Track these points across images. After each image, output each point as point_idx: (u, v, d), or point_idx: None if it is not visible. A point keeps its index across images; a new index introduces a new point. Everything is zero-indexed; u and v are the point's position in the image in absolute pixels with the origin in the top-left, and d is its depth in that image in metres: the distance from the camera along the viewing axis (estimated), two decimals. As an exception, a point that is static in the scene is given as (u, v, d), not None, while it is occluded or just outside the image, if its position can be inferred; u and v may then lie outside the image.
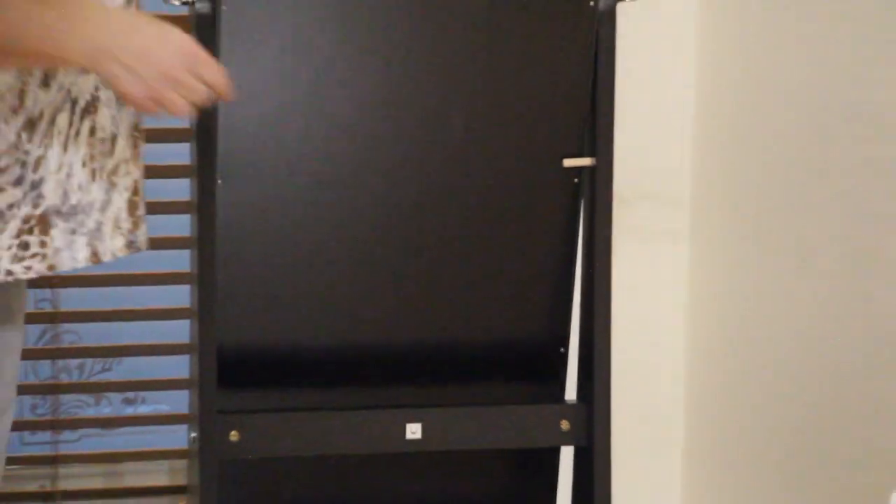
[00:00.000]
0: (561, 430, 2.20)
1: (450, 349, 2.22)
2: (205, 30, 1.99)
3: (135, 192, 1.79)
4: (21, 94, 1.64)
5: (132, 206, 1.78)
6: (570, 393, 2.25)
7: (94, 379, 2.89)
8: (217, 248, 2.06)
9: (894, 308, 2.15)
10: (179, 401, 2.66)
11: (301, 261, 2.14)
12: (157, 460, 2.81)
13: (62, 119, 1.67)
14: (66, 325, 2.79)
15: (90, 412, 2.88)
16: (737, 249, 2.62)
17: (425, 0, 2.04)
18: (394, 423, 2.15)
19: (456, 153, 2.11)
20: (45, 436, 2.79)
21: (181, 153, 2.20)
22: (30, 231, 1.66)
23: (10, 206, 1.65)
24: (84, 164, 1.71)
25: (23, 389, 2.83)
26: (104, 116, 1.73)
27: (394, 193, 2.11)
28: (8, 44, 1.58)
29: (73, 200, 1.70)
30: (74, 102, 1.68)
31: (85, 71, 1.68)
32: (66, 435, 2.80)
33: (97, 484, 2.80)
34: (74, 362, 2.84)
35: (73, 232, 1.70)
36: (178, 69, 1.66)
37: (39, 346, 2.82)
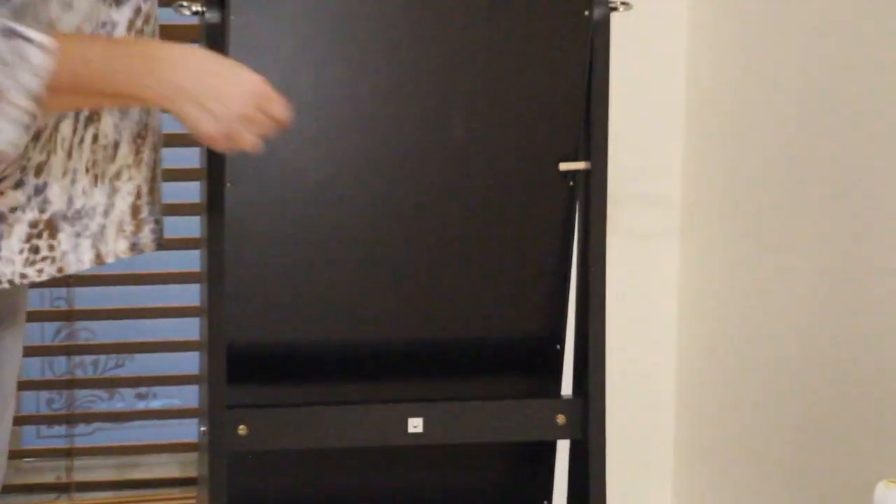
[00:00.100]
0: (557, 424, 2.20)
1: (450, 346, 2.22)
2: (214, 39, 1.99)
3: (138, 196, 1.79)
4: None
5: (135, 210, 1.79)
6: (566, 388, 2.25)
7: (107, 374, 2.89)
8: (226, 249, 2.06)
9: (883, 306, 2.15)
10: (190, 396, 2.67)
11: (306, 261, 2.14)
12: (168, 453, 2.81)
13: (66, 127, 1.67)
14: (81, 323, 2.80)
15: (104, 406, 2.89)
16: (727, 249, 2.62)
17: (426, 9, 2.04)
18: (396, 418, 2.15)
19: (456, 156, 2.12)
20: (61, 429, 2.79)
21: (192, 157, 2.21)
22: (39, 235, 1.67)
23: (13, 210, 1.65)
24: (87, 170, 1.71)
25: (39, 384, 2.85)
26: (107, 124, 1.73)
27: (396, 196, 2.11)
28: (91, 84, 1.61)
29: (78, 205, 1.70)
30: (78, 111, 1.68)
31: (163, 109, 1.70)
32: (81, 428, 2.81)
33: (110, 475, 2.80)
34: (89, 358, 2.85)
35: (78, 235, 1.71)
36: (250, 108, 1.69)
37: (55, 342, 2.83)
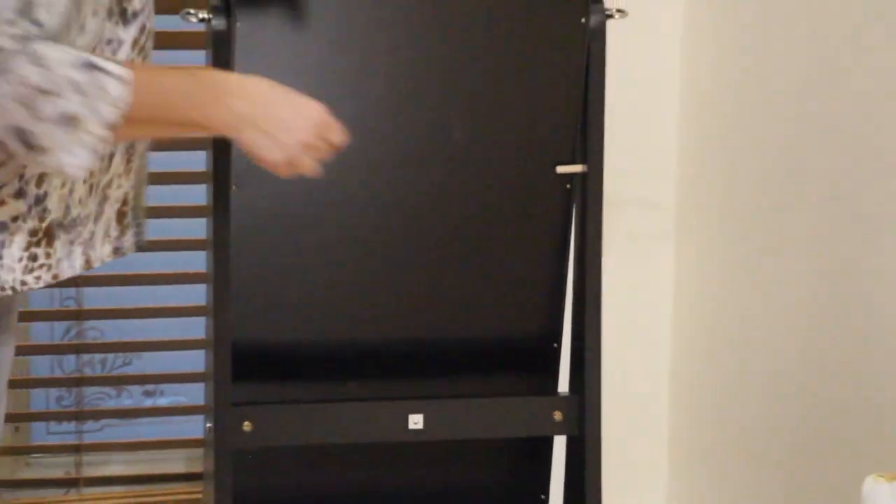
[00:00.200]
0: (554, 420, 2.20)
1: (450, 344, 2.22)
2: (220, 46, 1.99)
3: (124, 202, 1.80)
4: None
5: (120, 216, 1.79)
6: (563, 386, 2.25)
7: (115, 372, 2.89)
8: (231, 250, 2.06)
9: (876, 309, 2.15)
10: (196, 393, 2.66)
11: (309, 261, 2.14)
12: (174, 449, 2.81)
13: None
14: (90, 322, 2.80)
15: (112, 403, 2.89)
16: (719, 250, 2.62)
17: (427, 17, 2.04)
18: (397, 414, 2.15)
19: (456, 160, 2.11)
20: (70, 426, 2.79)
21: (198, 161, 2.20)
22: (38, 244, 1.67)
23: (15, 219, 1.65)
24: (85, 181, 1.72)
25: (49, 382, 2.84)
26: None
27: (396, 198, 2.11)
28: (162, 114, 1.64)
29: (73, 214, 1.71)
30: None
31: (229, 137, 1.73)
32: (90, 425, 2.81)
33: (118, 471, 2.80)
34: (97, 357, 2.85)
35: (72, 242, 1.71)
36: (311, 136, 1.73)
37: (65, 341, 2.83)
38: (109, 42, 1.67)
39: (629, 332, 2.69)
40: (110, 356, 2.90)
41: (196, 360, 2.47)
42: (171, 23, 2.13)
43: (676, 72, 2.69)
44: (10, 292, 1.66)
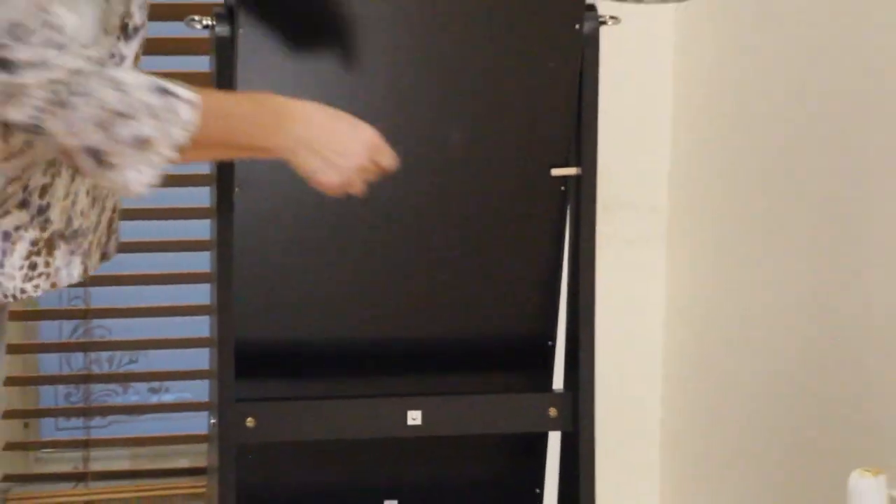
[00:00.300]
0: (549, 416, 2.20)
1: (448, 342, 2.22)
2: (223, 51, 1.99)
3: (114, 210, 1.80)
4: None
5: (109, 223, 1.80)
6: (558, 382, 2.25)
7: (122, 370, 2.89)
8: (234, 250, 2.06)
9: (859, 310, 2.15)
10: (200, 390, 2.67)
11: (310, 262, 2.14)
12: (179, 444, 2.81)
13: None
14: (97, 321, 2.80)
15: (118, 400, 2.89)
16: (711, 252, 2.62)
17: (426, 24, 2.04)
18: (396, 410, 2.15)
19: (454, 162, 2.11)
20: (78, 421, 2.79)
21: (202, 164, 2.20)
22: (38, 253, 1.67)
23: (17, 228, 1.65)
24: (88, 193, 1.72)
25: (57, 379, 2.84)
26: None
27: (396, 199, 2.11)
28: (227, 138, 1.69)
29: (75, 225, 1.71)
30: None
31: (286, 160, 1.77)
32: (97, 421, 2.81)
33: (125, 465, 2.80)
34: (105, 354, 2.85)
35: (72, 253, 1.71)
36: (364, 160, 1.78)
37: (73, 339, 2.83)
38: (113, 56, 1.67)
39: (623, 331, 2.69)
40: (117, 354, 2.90)
41: (200, 358, 2.47)
42: (177, 29, 2.13)
43: (668, 77, 2.69)
44: (10, 300, 1.67)
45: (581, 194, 2.14)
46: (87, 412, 2.78)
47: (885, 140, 2.06)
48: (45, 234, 1.67)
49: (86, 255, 1.74)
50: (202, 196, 2.27)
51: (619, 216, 2.68)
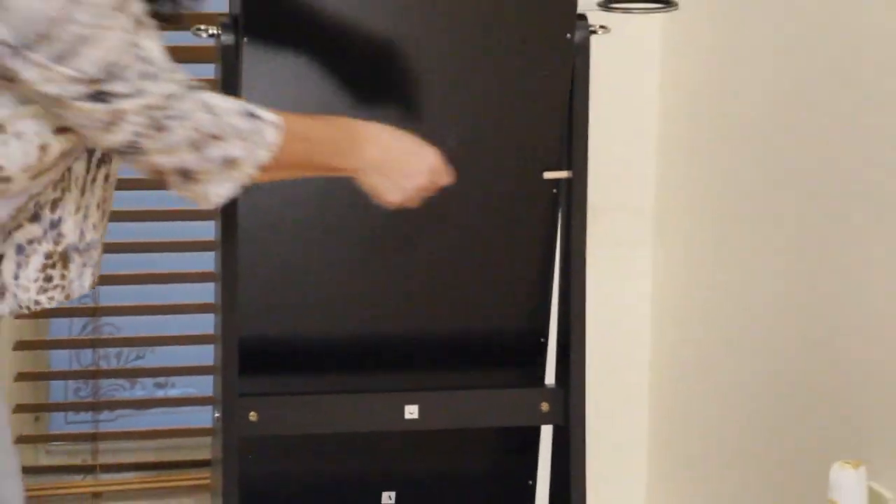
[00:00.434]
0: (541, 410, 2.20)
1: (444, 339, 2.22)
2: (228, 59, 2.00)
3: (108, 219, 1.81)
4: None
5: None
6: (550, 378, 2.25)
7: (129, 365, 2.89)
8: (238, 251, 2.06)
9: (839, 307, 2.15)
10: (205, 385, 2.66)
11: (311, 262, 2.14)
12: (184, 437, 2.81)
13: (79, 167, 1.68)
14: (106, 318, 2.80)
15: (126, 395, 2.88)
16: (695, 252, 2.62)
17: (424, 34, 2.04)
18: (393, 405, 2.15)
19: (450, 165, 2.11)
20: (87, 415, 2.79)
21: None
22: (53, 266, 1.68)
23: (31, 242, 1.66)
24: (98, 206, 1.72)
25: (67, 374, 2.84)
26: (116, 165, 1.74)
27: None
28: (305, 159, 1.74)
29: (88, 238, 1.71)
30: (91, 153, 1.69)
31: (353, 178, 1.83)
32: (105, 415, 2.80)
33: (132, 458, 2.80)
34: (113, 351, 2.85)
35: (85, 265, 1.72)
36: (426, 180, 1.84)
37: (82, 336, 2.82)
38: None
39: (611, 328, 2.69)
40: (124, 350, 2.89)
41: (205, 354, 2.46)
42: (184, 38, 2.13)
43: (655, 83, 2.70)
44: (24, 310, 1.68)
45: (572, 196, 2.14)
46: (95, 406, 2.78)
47: (868, 140, 2.06)
48: (60, 248, 1.67)
49: (95, 266, 1.74)
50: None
51: (609, 217, 2.68)
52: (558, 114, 2.11)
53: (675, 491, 2.72)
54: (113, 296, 2.73)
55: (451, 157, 2.10)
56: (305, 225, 2.11)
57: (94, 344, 2.78)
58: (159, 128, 1.57)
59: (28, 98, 1.55)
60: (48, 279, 1.67)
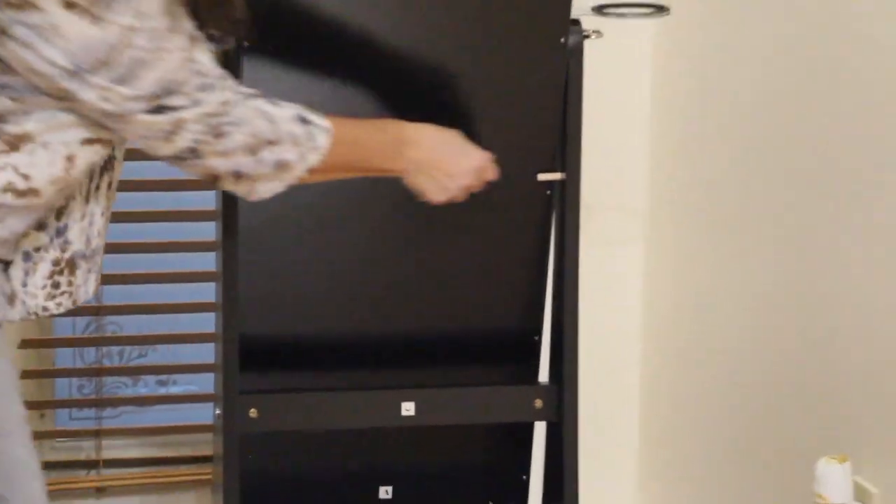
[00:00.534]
0: (535, 407, 2.20)
1: (439, 337, 2.22)
2: (230, 66, 1.99)
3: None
4: None
5: None
6: (543, 376, 2.25)
7: (132, 363, 2.88)
8: (239, 251, 2.06)
9: (827, 306, 2.16)
10: (206, 382, 2.66)
11: (310, 261, 2.14)
12: (186, 434, 2.81)
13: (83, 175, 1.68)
14: (109, 318, 2.79)
15: (129, 392, 2.88)
16: (685, 252, 2.62)
17: (419, 40, 2.03)
18: (390, 402, 2.15)
19: None
20: (91, 412, 2.79)
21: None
22: (60, 273, 1.67)
23: (38, 249, 1.65)
24: (102, 214, 1.72)
25: (71, 372, 2.84)
26: (118, 172, 1.74)
27: (392, 203, 2.11)
28: (353, 161, 1.77)
29: (93, 245, 1.71)
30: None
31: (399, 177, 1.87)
32: (108, 412, 2.80)
33: (135, 454, 2.80)
34: (116, 349, 2.84)
35: (90, 271, 1.72)
36: (470, 179, 1.88)
37: (85, 334, 2.82)
38: None
39: (603, 327, 2.69)
40: (127, 348, 2.89)
41: (206, 352, 2.46)
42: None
43: (647, 87, 2.70)
44: (33, 317, 1.68)
45: (566, 198, 2.14)
46: (99, 403, 2.77)
47: (856, 142, 2.06)
48: (66, 255, 1.67)
49: (98, 272, 1.74)
50: (209, 200, 2.27)
51: (601, 218, 2.68)
52: (553, 117, 2.11)
53: (666, 485, 2.72)
54: (116, 295, 2.73)
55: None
56: (303, 226, 2.11)
57: (97, 342, 2.78)
58: (217, 134, 1.60)
59: (81, 113, 1.56)
60: (56, 286, 1.67)
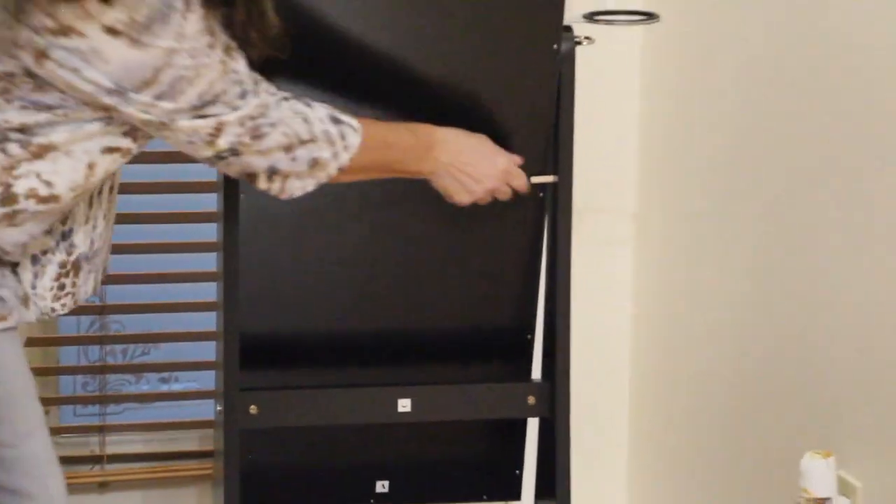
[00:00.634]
0: (528, 404, 2.20)
1: (435, 336, 2.22)
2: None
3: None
4: None
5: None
6: (536, 373, 2.26)
7: (135, 361, 2.88)
8: (239, 251, 2.06)
9: (810, 304, 2.16)
10: (207, 379, 2.66)
11: (309, 261, 2.14)
12: (188, 430, 2.81)
13: None
14: (113, 316, 2.79)
15: (132, 388, 2.88)
16: (673, 253, 2.63)
17: (415, 46, 2.03)
18: (387, 398, 2.15)
19: None
20: (94, 409, 2.78)
21: (210, 172, 2.20)
22: (66, 275, 1.68)
23: (45, 253, 1.66)
24: (104, 217, 1.72)
25: (75, 370, 2.84)
26: (118, 177, 1.75)
27: (389, 206, 2.11)
28: (382, 162, 1.79)
29: (96, 247, 1.72)
30: None
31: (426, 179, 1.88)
32: (112, 408, 2.80)
33: (138, 449, 2.80)
34: (119, 347, 2.84)
35: (90, 272, 1.73)
36: (497, 184, 1.89)
37: (89, 333, 2.82)
38: None
39: (594, 325, 2.70)
40: (130, 346, 2.89)
41: (207, 350, 2.46)
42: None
43: (636, 92, 2.70)
44: (45, 318, 1.68)
45: (558, 200, 2.14)
46: (102, 400, 2.77)
47: (838, 145, 2.07)
48: (72, 258, 1.68)
49: (98, 272, 1.75)
50: (210, 201, 2.27)
51: (592, 219, 2.68)
52: (545, 121, 2.11)
53: (655, 480, 2.72)
54: (119, 295, 2.73)
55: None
56: (303, 228, 2.11)
57: (101, 340, 2.77)
58: (256, 135, 1.62)
59: (121, 120, 1.56)
60: (62, 287, 1.68)
